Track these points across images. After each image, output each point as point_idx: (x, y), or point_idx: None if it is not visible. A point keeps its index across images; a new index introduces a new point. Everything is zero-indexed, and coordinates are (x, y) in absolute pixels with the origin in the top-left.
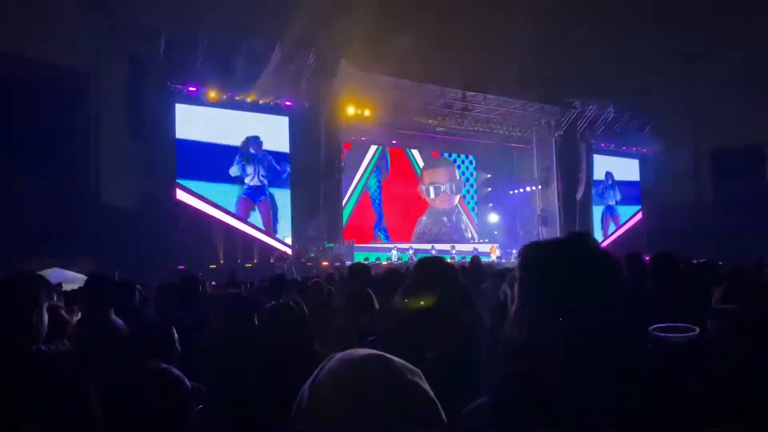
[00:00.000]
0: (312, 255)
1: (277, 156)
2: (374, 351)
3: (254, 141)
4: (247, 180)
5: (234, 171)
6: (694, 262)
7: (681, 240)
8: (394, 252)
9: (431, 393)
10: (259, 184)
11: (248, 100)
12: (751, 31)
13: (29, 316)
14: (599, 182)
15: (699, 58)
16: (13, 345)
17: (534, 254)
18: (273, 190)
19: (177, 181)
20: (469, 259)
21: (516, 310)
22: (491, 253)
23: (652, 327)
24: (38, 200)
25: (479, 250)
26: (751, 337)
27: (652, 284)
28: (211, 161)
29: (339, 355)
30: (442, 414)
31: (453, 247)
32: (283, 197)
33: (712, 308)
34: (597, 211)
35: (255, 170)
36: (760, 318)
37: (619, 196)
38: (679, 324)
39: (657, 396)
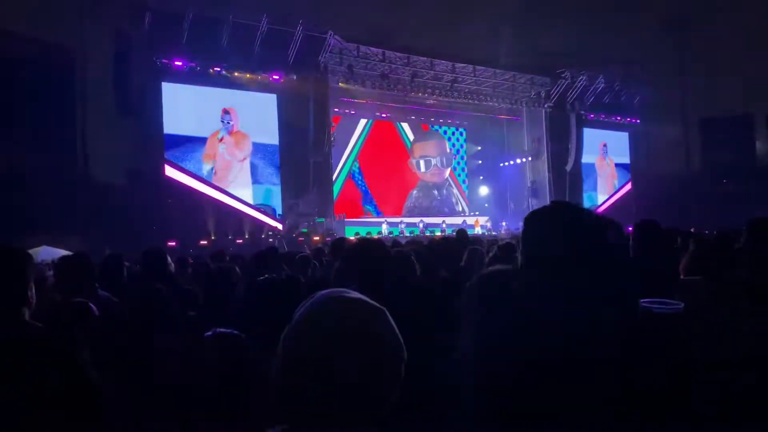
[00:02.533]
0: (304, 230)
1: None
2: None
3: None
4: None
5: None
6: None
7: (670, 209)
8: (384, 226)
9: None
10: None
11: (235, 75)
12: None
13: (23, 285)
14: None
15: (688, 28)
16: (9, 313)
17: (529, 218)
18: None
19: (165, 157)
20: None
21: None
22: (476, 226)
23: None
24: (26, 178)
25: (468, 223)
26: (721, 308)
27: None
28: (198, 137)
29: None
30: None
31: (443, 222)
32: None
33: (678, 281)
34: (589, 183)
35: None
36: (726, 289)
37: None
38: (666, 300)
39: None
